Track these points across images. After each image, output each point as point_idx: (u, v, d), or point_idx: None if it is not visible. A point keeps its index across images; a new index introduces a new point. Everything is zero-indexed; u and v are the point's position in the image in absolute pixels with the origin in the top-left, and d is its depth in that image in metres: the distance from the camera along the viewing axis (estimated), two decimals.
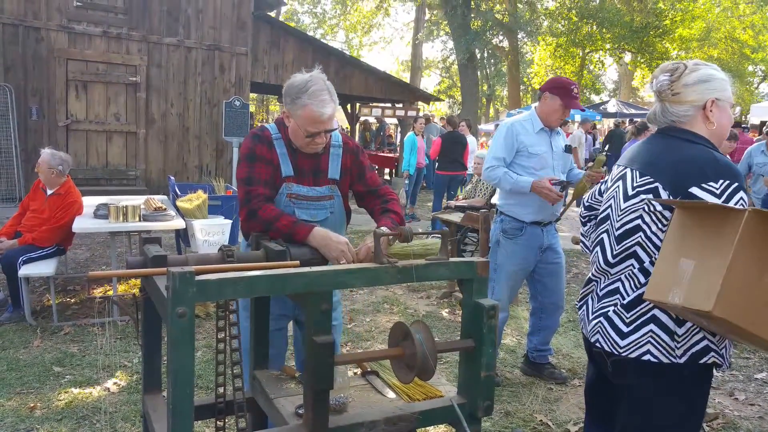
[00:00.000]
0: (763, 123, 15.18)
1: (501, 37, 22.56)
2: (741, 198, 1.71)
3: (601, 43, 23.92)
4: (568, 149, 3.85)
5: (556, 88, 3.60)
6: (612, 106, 22.57)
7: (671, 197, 1.78)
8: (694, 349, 1.79)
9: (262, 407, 2.03)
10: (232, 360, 1.80)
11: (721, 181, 1.72)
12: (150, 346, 2.01)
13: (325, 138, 2.34)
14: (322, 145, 2.37)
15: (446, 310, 5.36)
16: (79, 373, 3.76)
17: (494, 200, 4.18)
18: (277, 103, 24.76)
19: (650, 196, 1.82)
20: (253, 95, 20.81)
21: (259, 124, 17.46)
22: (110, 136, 10.29)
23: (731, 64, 26.29)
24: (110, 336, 4.37)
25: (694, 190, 1.73)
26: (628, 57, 26.16)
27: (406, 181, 9.92)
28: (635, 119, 16.80)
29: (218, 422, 1.93)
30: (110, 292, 5.27)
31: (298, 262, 1.90)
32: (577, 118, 15.19)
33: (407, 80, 22.81)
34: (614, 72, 34.74)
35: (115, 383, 3.64)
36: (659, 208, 1.81)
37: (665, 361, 1.79)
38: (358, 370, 2.19)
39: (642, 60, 24.35)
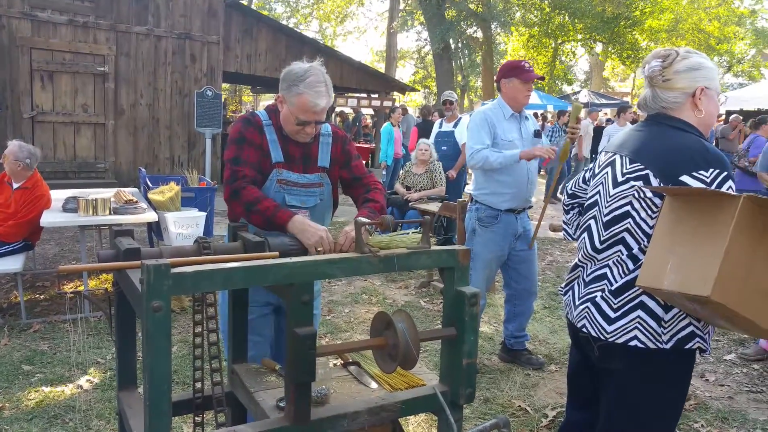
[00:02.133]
0: (728, 113, 15.48)
1: (475, 28, 22.59)
2: (730, 187, 1.74)
3: (573, 33, 24.17)
4: (538, 134, 3.89)
5: (510, 70, 3.69)
6: (584, 96, 22.84)
7: (662, 185, 1.79)
8: (680, 335, 1.81)
9: (242, 401, 1.99)
10: (210, 354, 1.76)
11: (711, 169, 1.74)
12: (124, 341, 1.95)
13: (315, 129, 2.37)
14: (312, 135, 2.39)
15: (425, 300, 5.37)
16: (50, 371, 3.67)
17: (468, 189, 4.19)
18: (251, 93, 24.51)
19: (640, 182, 1.83)
20: (225, 85, 20.54)
21: (233, 114, 17.30)
22: (78, 128, 10.06)
23: None
24: (82, 332, 4.27)
25: (685, 178, 1.75)
26: (599, 47, 26.47)
27: (384, 172, 9.91)
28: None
29: (196, 417, 1.89)
30: (81, 288, 5.15)
31: (277, 253, 1.86)
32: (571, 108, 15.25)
33: (382, 71, 22.72)
34: (586, 62, 35.11)
35: (88, 380, 3.56)
36: (649, 194, 1.82)
37: (652, 346, 1.82)
38: (339, 361, 2.17)
39: (613, 50, 24.68)
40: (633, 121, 13.11)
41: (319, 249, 2.05)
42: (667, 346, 1.81)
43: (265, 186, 2.35)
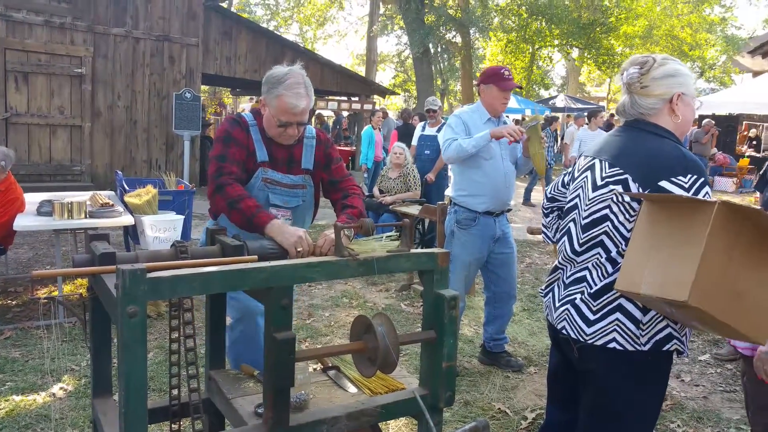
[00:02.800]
0: (701, 117, 15.76)
1: (454, 33, 22.73)
2: (707, 192, 1.78)
3: (549, 39, 24.47)
4: None
5: (489, 77, 3.72)
6: (560, 101, 23.12)
7: (641, 189, 1.82)
8: (657, 337, 1.84)
9: (220, 408, 1.97)
10: (187, 360, 1.74)
11: (689, 175, 1.78)
12: (99, 348, 1.92)
13: (298, 131, 2.42)
14: (295, 137, 2.44)
15: (405, 303, 5.37)
16: (22, 378, 3.59)
17: (448, 192, 4.21)
18: (230, 96, 24.36)
19: (619, 187, 1.86)
20: (204, 87, 20.39)
21: (212, 117, 17.18)
22: (54, 130, 9.90)
23: None
24: (56, 339, 4.19)
25: (664, 183, 1.78)
26: (575, 53, 26.80)
27: (365, 175, 9.91)
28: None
29: (173, 425, 1.86)
30: (55, 293, 5.06)
31: (255, 257, 1.84)
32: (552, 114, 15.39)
33: (362, 74, 22.74)
34: (562, 68, 35.46)
35: (62, 388, 3.49)
36: (627, 199, 1.84)
37: (630, 348, 1.84)
38: (319, 366, 2.16)
39: (589, 56, 25.03)
40: (609, 126, 13.29)
41: (299, 249, 2.06)
42: (645, 348, 1.83)
43: (249, 184, 2.40)
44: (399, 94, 30.84)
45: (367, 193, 6.94)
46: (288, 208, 2.46)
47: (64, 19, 9.75)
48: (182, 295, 1.59)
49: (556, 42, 24.76)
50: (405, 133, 9.53)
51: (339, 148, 15.78)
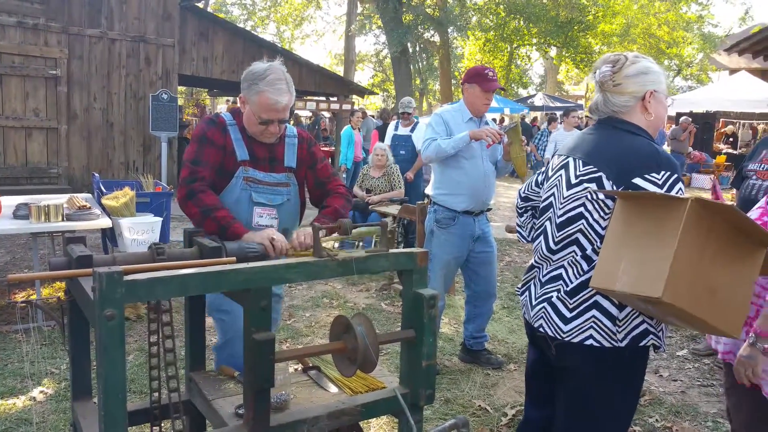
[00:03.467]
0: (679, 114, 16.00)
1: (432, 32, 22.78)
2: (680, 189, 1.80)
3: (528, 38, 24.64)
4: None
5: (472, 77, 3.74)
6: (539, 100, 23.28)
7: (615, 187, 1.84)
8: (634, 333, 1.86)
9: (200, 409, 1.97)
10: (166, 362, 1.74)
11: (663, 172, 1.80)
12: (78, 351, 1.91)
13: (279, 128, 2.37)
14: (276, 135, 2.40)
15: (386, 302, 5.38)
16: (1, 383, 3.54)
17: (428, 191, 4.23)
18: (208, 96, 24.16)
19: (593, 185, 1.88)
20: (181, 88, 20.21)
21: (188, 118, 17.03)
22: (29, 133, 9.75)
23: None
24: (35, 342, 4.14)
25: (638, 180, 1.80)
26: (553, 51, 27.00)
27: (344, 175, 9.90)
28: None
29: (154, 427, 1.86)
30: (33, 296, 4.99)
31: (234, 258, 1.84)
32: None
33: (341, 74, 22.70)
34: (540, 66, 35.75)
35: (41, 392, 3.46)
36: (601, 196, 1.86)
37: (607, 345, 1.85)
38: (299, 366, 2.17)
39: (567, 54, 25.24)
40: (585, 125, 13.42)
41: (274, 237, 2.08)
42: (622, 344, 1.85)
43: (231, 184, 2.36)
44: (378, 94, 30.84)
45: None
46: (273, 206, 2.42)
47: (38, 20, 9.60)
48: (160, 298, 1.59)
49: (534, 41, 24.94)
50: (384, 133, 9.53)
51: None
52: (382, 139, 9.13)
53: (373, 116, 14.91)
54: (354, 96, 15.67)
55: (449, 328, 4.81)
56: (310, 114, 19.70)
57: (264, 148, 2.42)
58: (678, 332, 4.82)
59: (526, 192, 2.31)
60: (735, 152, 16.97)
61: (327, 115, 18.23)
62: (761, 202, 2.13)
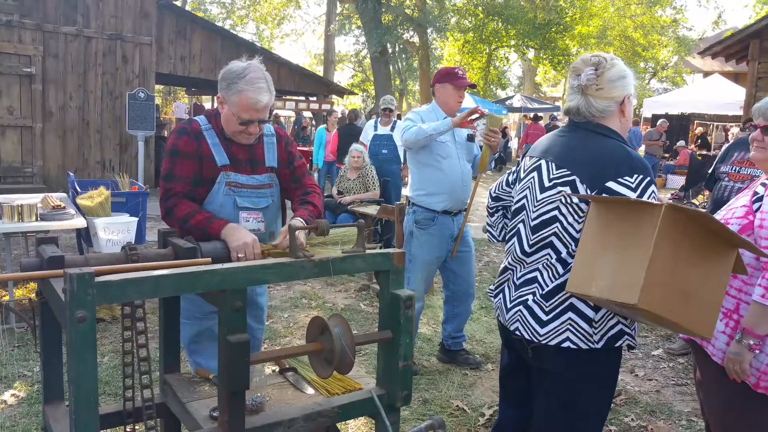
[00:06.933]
0: (654, 116, 16.24)
1: (411, 33, 22.83)
2: (653, 191, 1.81)
3: (506, 39, 24.82)
4: (471, 138, 3.96)
5: (444, 76, 3.78)
6: (517, 101, 23.48)
7: (588, 191, 1.84)
8: (609, 334, 1.87)
9: (175, 412, 1.95)
10: (140, 364, 1.71)
11: (636, 175, 1.80)
12: (49, 353, 1.87)
13: (258, 129, 2.32)
14: (255, 136, 2.34)
15: (365, 303, 5.38)
16: None
17: (405, 192, 4.23)
18: (186, 95, 23.93)
19: (567, 188, 1.87)
20: (159, 87, 19.99)
21: (166, 117, 16.84)
22: (3, 131, 9.59)
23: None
24: (7, 344, 4.06)
25: (611, 184, 1.81)
26: (531, 53, 27.21)
27: (316, 174, 9.88)
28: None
29: (127, 429, 1.83)
30: (5, 298, 4.90)
31: (209, 259, 1.83)
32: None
33: (321, 74, 22.64)
34: (519, 68, 35.98)
35: (13, 395, 3.39)
36: (576, 200, 1.86)
37: (584, 347, 1.87)
38: (276, 368, 2.15)
39: (544, 56, 25.47)
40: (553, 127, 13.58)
41: (240, 255, 2.02)
42: (599, 346, 1.86)
43: (213, 191, 2.30)
44: (357, 94, 30.80)
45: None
46: (258, 209, 2.36)
47: (11, 17, 9.44)
48: (133, 299, 1.57)
49: (513, 42, 25.13)
50: (347, 134, 9.20)
51: (299, 148, 15.69)
52: (344, 140, 8.90)
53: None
54: (333, 96, 15.64)
55: (428, 328, 4.82)
56: (292, 113, 19.61)
57: (243, 150, 2.36)
58: (653, 332, 4.88)
59: (496, 192, 2.30)
60: (710, 153, 17.26)
61: (308, 114, 18.16)
62: (744, 200, 2.11)
